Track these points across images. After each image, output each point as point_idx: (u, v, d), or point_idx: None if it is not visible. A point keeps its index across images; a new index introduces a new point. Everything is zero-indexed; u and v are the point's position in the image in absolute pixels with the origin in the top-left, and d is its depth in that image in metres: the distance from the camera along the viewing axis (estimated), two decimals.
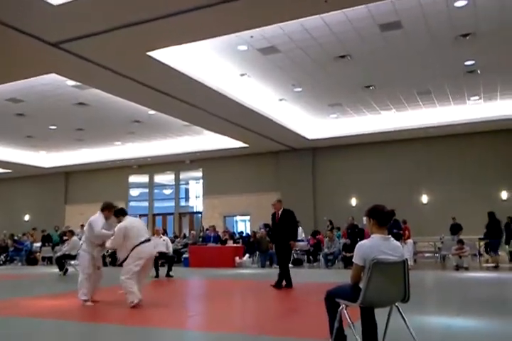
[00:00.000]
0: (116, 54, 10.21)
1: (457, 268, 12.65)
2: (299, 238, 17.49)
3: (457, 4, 8.98)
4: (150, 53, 10.28)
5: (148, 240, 7.05)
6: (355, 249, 3.78)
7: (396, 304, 3.86)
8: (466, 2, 8.91)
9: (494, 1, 8.91)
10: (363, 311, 3.87)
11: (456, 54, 11.51)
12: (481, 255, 15.25)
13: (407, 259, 3.81)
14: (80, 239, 17.74)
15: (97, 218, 7.26)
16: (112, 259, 16.43)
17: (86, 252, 7.25)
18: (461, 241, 13.19)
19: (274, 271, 13.65)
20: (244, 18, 8.70)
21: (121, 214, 7.27)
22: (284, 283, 9.05)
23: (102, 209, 7.35)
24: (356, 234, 14.60)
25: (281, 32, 9.99)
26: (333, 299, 3.90)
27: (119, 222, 7.16)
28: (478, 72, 12.73)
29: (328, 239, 14.78)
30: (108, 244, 7.16)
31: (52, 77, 12.00)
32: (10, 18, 8.33)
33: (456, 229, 15.70)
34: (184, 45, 10.10)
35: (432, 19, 9.62)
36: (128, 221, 7.12)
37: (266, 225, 18.41)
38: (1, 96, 13.69)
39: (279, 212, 9.21)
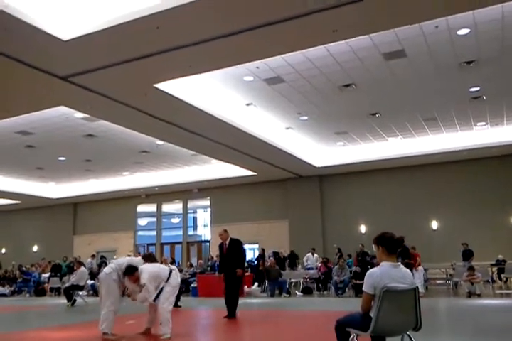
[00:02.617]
0: (124, 86, 10.40)
1: (469, 294, 12.44)
2: (312, 266, 17.49)
3: (460, 32, 9.12)
4: (157, 85, 10.46)
5: (170, 271, 7.02)
6: (365, 278, 3.75)
7: (408, 332, 3.81)
8: (468, 30, 9.05)
9: (496, 28, 9.04)
10: (374, 340, 3.82)
11: (460, 81, 11.62)
12: (493, 281, 15.04)
13: (417, 287, 3.78)
14: (88, 269, 17.69)
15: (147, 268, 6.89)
16: None
17: (116, 283, 6.83)
18: (471, 268, 12.97)
19: (283, 300, 13.55)
20: (249, 50, 8.86)
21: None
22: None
23: (145, 260, 7.15)
24: (366, 261, 14.46)
25: (285, 62, 10.15)
26: (343, 328, 3.84)
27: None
28: (484, 98, 12.80)
29: (338, 266, 14.62)
30: (142, 297, 6.77)
31: (62, 110, 12.21)
32: (20, 52, 8.55)
33: (467, 255, 15.53)
34: (191, 77, 10.29)
35: (435, 47, 9.76)
36: (148, 271, 6.84)
37: (275, 253, 18.35)
38: (12, 129, 13.90)
39: (227, 242, 9.26)
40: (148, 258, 7.24)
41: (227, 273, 9.15)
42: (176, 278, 7.07)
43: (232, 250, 9.21)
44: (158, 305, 6.79)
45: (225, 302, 9.14)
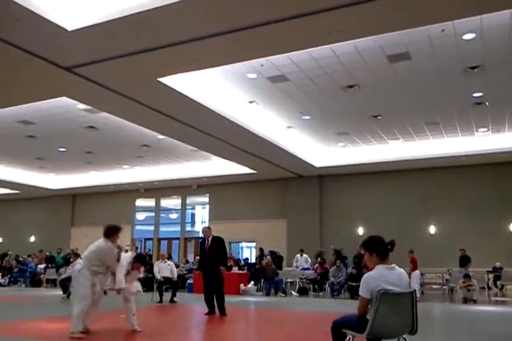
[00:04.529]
0: (127, 79, 10.36)
1: (465, 300, 12.43)
2: (306, 266, 17.48)
3: (465, 37, 9.09)
4: (161, 79, 10.43)
5: None
6: (361, 282, 3.72)
7: (403, 336, 3.79)
8: (474, 35, 9.02)
9: (502, 34, 9.02)
10: None
11: (464, 86, 11.59)
12: (489, 288, 15.02)
13: (415, 290, 3.76)
14: None
15: (107, 247, 6.49)
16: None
17: (87, 280, 6.41)
18: (467, 276, 12.94)
19: (279, 300, 13.53)
20: (254, 47, 8.83)
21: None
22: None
23: (108, 235, 6.55)
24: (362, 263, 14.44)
25: (290, 61, 10.13)
26: (339, 329, 3.82)
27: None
28: (487, 104, 12.77)
29: (335, 267, 14.62)
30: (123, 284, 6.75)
31: (64, 101, 12.18)
32: (25, 41, 8.50)
33: (464, 261, 15.48)
34: (194, 72, 10.26)
35: (440, 51, 9.73)
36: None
37: (272, 252, 18.33)
38: (13, 118, 13.87)
39: (209, 239, 9.33)
40: (113, 230, 6.67)
41: (208, 270, 9.18)
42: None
43: (215, 247, 9.25)
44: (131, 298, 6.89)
45: (204, 300, 9.20)
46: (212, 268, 9.12)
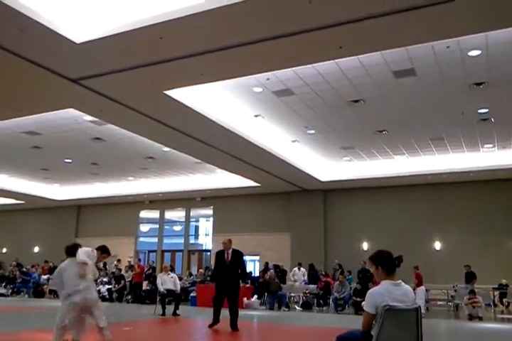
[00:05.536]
0: (134, 92, 10.44)
1: (471, 317, 12.29)
2: (301, 280, 17.43)
3: (471, 53, 9.10)
4: (167, 92, 10.50)
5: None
6: (366, 297, 3.69)
7: None
8: (480, 51, 9.04)
9: (508, 50, 9.04)
10: None
11: (469, 102, 11.58)
12: (495, 305, 14.85)
13: (420, 307, 3.72)
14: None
15: None
16: (119, 295, 16.31)
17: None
18: (472, 292, 12.80)
19: (282, 314, 13.43)
20: (260, 61, 8.89)
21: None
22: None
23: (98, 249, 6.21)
24: (368, 278, 14.35)
25: (296, 75, 10.17)
26: None
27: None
28: (492, 120, 12.75)
29: (338, 282, 14.51)
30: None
31: (71, 112, 12.26)
32: (33, 53, 8.59)
33: (470, 277, 15.34)
34: (200, 85, 10.31)
35: (445, 67, 9.75)
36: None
37: (275, 266, 18.25)
38: (19, 128, 13.95)
39: (229, 252, 9.19)
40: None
41: (226, 283, 9.00)
42: None
43: (235, 261, 9.12)
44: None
45: (213, 310, 8.99)
46: (231, 281, 8.97)
